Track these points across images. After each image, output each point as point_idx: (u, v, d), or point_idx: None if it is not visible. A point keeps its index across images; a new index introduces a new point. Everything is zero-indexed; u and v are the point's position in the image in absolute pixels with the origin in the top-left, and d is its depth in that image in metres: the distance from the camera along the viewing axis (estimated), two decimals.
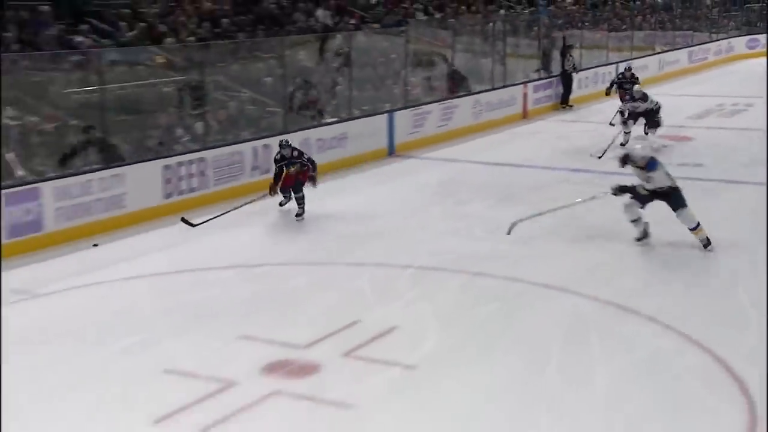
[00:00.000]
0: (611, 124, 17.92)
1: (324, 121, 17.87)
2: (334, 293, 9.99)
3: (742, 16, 39.05)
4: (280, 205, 13.83)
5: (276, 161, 13.48)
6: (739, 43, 36.52)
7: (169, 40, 17.10)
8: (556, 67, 24.23)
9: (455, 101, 20.87)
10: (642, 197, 10.67)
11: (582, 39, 27.21)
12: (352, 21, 22.61)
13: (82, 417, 7.04)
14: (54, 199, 12.12)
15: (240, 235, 13.04)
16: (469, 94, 21.64)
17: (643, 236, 11.00)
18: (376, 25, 22.33)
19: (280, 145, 13.60)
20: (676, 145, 18.18)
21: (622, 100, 18.84)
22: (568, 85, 22.91)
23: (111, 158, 13.59)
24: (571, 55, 23.07)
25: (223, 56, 17.49)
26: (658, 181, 10.47)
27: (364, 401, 7.19)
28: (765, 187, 13.62)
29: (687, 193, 11.49)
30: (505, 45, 23.79)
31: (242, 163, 15.30)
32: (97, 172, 12.95)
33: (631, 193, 10.75)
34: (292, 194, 13.52)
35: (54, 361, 8.26)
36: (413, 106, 19.49)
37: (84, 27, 16.09)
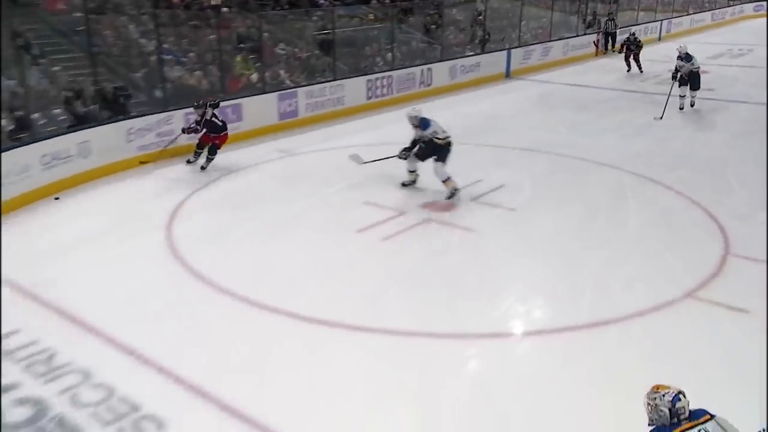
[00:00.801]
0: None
1: (466, 54, 19.25)
2: (466, 161, 10.80)
3: None
4: (188, 162, 11.09)
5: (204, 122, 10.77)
6: (748, 8, 38.29)
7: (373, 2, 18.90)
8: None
9: (550, 43, 22.23)
10: (421, 154, 9.63)
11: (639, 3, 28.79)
12: None
13: (310, 231, 8.52)
14: (305, 97, 14.13)
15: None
16: (561, 39, 22.85)
17: (409, 184, 9.95)
18: None
19: (211, 106, 10.86)
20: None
21: (626, 58, 20.52)
22: (613, 38, 23.76)
23: (335, 74, 15.32)
24: (612, 20, 24.21)
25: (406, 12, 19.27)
26: (432, 136, 9.37)
27: (483, 228, 8.56)
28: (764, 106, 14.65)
29: (703, 110, 13.18)
30: (587, 8, 25.17)
31: (414, 80, 16.82)
32: (328, 82, 14.85)
33: (410, 150, 9.65)
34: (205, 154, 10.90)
35: (300, 194, 9.86)
36: (524, 46, 20.95)
37: None
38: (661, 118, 14.04)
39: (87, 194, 9.85)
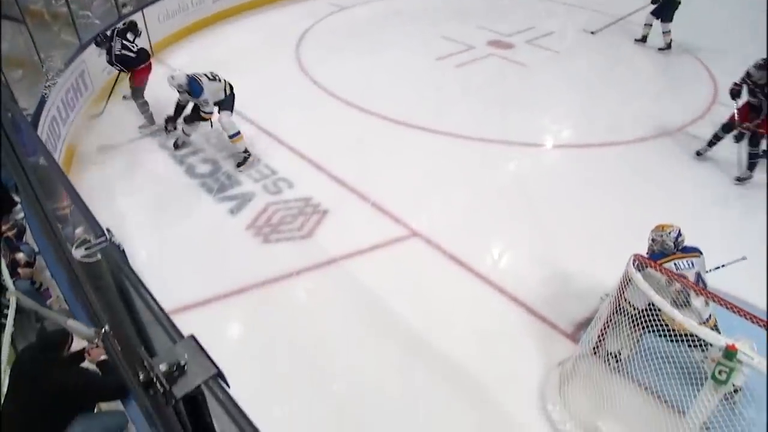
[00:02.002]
0: None
1: None
2: (525, 11, 10.31)
3: None
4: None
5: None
6: None
7: None
8: None
9: None
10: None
11: None
12: None
13: (399, 54, 8.17)
14: None
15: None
16: None
17: (182, 145, 5.68)
18: None
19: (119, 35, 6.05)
20: None
21: None
22: None
23: None
24: None
25: None
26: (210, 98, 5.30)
27: (533, 64, 8.06)
28: None
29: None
30: None
31: None
32: None
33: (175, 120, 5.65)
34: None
35: (393, 26, 9.39)
36: None
37: None
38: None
39: (243, 20, 9.80)
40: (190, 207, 4.93)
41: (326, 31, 9.31)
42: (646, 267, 3.04)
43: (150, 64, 6.11)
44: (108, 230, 1.76)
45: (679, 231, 3.33)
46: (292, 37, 8.86)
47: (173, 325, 1.17)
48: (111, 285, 1.57)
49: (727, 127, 5.52)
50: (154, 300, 1.24)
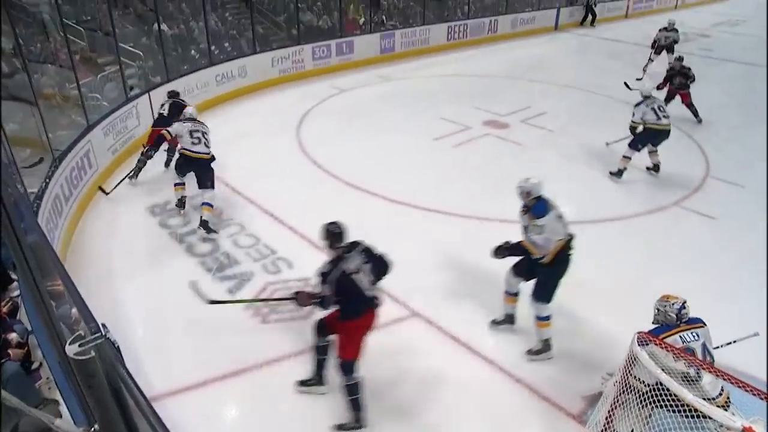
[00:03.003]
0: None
1: (525, 9, 17.53)
2: (520, 92, 10.80)
3: None
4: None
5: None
6: None
7: None
8: None
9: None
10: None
11: None
12: None
13: (399, 136, 8.44)
14: (401, 37, 13.44)
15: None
16: (597, 3, 19.16)
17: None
18: None
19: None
20: (699, 39, 16.86)
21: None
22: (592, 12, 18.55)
23: (425, 20, 14.48)
24: None
25: None
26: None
27: (528, 143, 8.33)
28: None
29: (702, 68, 11.28)
30: None
31: (483, 28, 15.52)
32: (419, 26, 13.98)
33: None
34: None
35: (393, 108, 9.79)
36: (572, 5, 18.79)
37: None
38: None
39: (245, 102, 10.06)
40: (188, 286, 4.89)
41: (327, 113, 9.59)
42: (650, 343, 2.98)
43: (166, 131, 5.99)
44: (104, 325, 1.76)
45: (683, 303, 3.30)
46: (293, 118, 9.11)
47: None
48: (104, 383, 1.55)
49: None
50: (148, 404, 1.22)
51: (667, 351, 2.96)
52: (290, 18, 12.53)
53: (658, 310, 3.35)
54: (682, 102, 9.26)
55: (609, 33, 17.89)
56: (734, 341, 3.59)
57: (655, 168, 7.30)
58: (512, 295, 4.37)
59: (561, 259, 3.96)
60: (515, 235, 5.92)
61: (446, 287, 4.98)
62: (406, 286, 4.83)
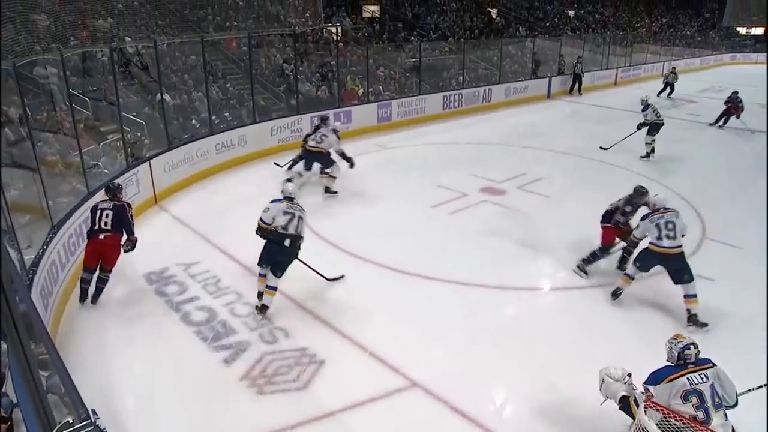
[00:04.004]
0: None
1: (518, 79, 18.35)
2: (515, 159, 11.14)
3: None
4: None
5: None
6: (726, 56, 33.40)
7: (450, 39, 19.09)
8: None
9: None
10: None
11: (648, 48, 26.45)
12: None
13: (396, 204, 8.56)
14: (397, 107, 13.98)
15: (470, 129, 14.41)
16: (589, 71, 20.32)
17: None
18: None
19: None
20: (686, 105, 17.88)
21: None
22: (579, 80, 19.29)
23: (420, 90, 15.42)
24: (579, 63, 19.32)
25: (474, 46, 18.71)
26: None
27: (525, 209, 8.40)
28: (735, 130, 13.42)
29: (693, 129, 12.16)
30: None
31: (478, 97, 16.25)
32: (415, 96, 14.53)
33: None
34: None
35: (390, 176, 9.95)
36: (562, 75, 19.57)
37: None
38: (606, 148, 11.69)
39: (243, 171, 10.22)
40: (184, 356, 4.85)
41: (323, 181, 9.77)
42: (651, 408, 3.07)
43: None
44: (93, 411, 1.75)
45: (689, 344, 3.41)
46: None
47: None
48: None
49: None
50: None
51: (667, 416, 2.97)
52: (289, 89, 13.01)
53: (667, 345, 3.53)
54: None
55: (599, 100, 18.60)
56: (763, 386, 3.60)
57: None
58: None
59: None
60: (515, 303, 5.94)
61: (446, 356, 4.92)
62: (405, 355, 4.79)
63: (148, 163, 8.29)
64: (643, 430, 3.03)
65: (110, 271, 5.54)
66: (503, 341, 5.11)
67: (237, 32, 14.71)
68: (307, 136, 9.19)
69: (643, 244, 5.67)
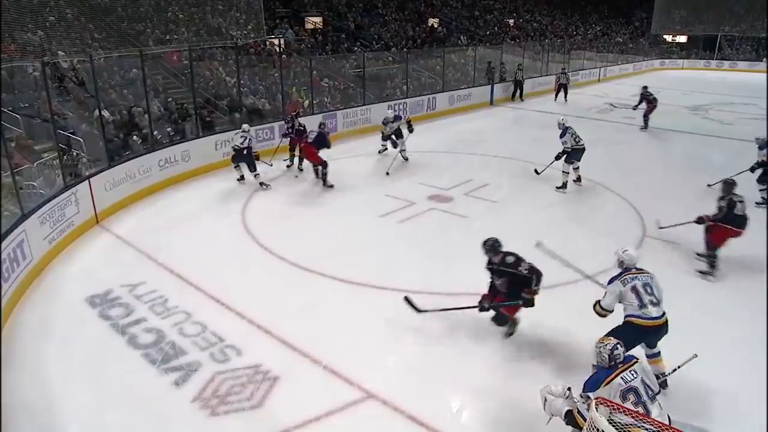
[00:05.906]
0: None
1: (461, 87, 18.76)
2: (461, 166, 11.27)
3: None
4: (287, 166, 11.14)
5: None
6: (656, 62, 35.03)
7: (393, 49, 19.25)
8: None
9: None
10: None
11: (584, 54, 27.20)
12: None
13: (344, 214, 8.60)
14: (342, 117, 13.99)
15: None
16: (530, 77, 21.39)
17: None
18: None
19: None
20: (622, 109, 18.43)
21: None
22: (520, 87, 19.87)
23: (365, 100, 15.40)
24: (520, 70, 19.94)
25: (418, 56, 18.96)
26: None
27: (472, 214, 8.57)
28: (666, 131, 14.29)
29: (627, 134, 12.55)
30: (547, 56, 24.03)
31: (423, 105, 16.45)
32: (359, 107, 14.58)
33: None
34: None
35: (337, 188, 9.86)
36: (503, 82, 20.06)
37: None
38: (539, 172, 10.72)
39: (188, 187, 10.01)
40: (132, 382, 4.70)
41: (272, 194, 9.67)
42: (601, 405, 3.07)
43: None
44: None
45: (616, 344, 3.53)
46: (237, 202, 9.11)
47: None
48: None
49: None
50: None
51: (619, 411, 3.06)
52: (233, 102, 12.84)
53: (594, 350, 3.59)
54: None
55: (541, 106, 19.19)
56: (678, 367, 3.93)
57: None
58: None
59: None
60: (467, 310, 6.00)
61: (400, 365, 4.96)
62: (359, 367, 4.81)
63: (87, 181, 8.01)
64: (595, 428, 3.09)
65: None
66: (456, 348, 5.20)
67: (178, 45, 14.44)
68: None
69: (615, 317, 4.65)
